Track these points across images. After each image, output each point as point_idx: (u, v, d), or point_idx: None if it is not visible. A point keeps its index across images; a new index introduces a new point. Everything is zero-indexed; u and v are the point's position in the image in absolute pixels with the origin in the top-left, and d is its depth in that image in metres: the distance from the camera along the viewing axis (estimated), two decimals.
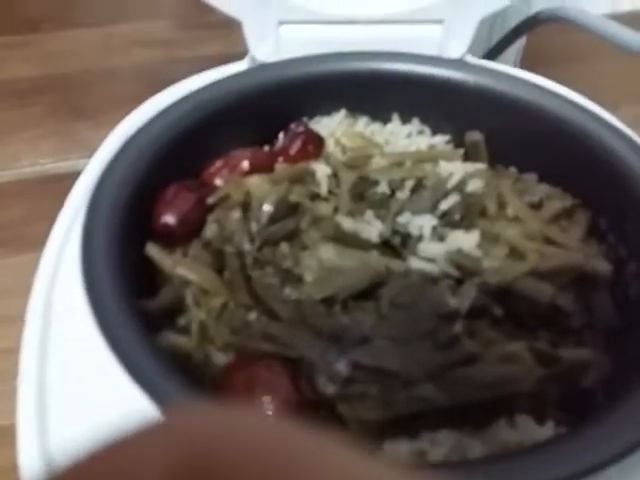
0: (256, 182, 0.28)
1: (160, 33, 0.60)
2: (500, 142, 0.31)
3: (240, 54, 0.36)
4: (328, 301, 0.23)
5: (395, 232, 0.27)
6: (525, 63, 0.51)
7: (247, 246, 0.25)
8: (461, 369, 0.20)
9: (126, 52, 0.57)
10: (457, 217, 0.27)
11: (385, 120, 0.35)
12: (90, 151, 0.29)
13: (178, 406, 0.09)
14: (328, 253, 0.25)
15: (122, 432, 0.08)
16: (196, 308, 0.23)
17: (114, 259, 0.22)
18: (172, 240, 0.25)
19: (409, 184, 0.29)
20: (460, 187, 0.28)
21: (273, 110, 0.33)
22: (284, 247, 0.24)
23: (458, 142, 0.33)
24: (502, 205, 0.27)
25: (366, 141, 0.33)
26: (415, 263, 0.24)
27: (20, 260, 0.38)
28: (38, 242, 0.25)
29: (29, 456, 0.18)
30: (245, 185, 0.27)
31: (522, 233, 0.25)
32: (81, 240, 0.22)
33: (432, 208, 0.28)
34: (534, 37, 0.47)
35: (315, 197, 0.29)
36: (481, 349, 0.20)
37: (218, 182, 0.29)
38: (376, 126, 0.34)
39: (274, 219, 0.26)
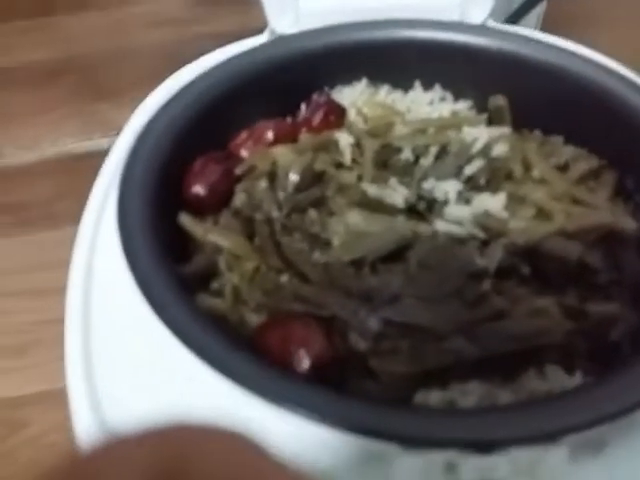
0: (281, 152, 0.28)
1: (175, 11, 0.60)
2: (524, 106, 0.31)
3: (257, 29, 0.36)
4: (357, 263, 0.23)
5: (420, 197, 0.27)
6: (545, 28, 0.50)
7: (275, 213, 0.25)
8: (489, 324, 0.20)
9: (142, 32, 0.58)
10: (482, 181, 0.27)
11: (406, 88, 0.34)
12: (112, 130, 0.30)
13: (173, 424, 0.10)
14: (355, 218, 0.25)
15: (115, 435, 0.10)
16: (229, 272, 0.24)
17: (149, 227, 0.23)
18: (202, 210, 0.26)
19: (433, 150, 0.29)
20: (485, 152, 0.28)
21: (295, 81, 0.33)
22: (312, 213, 0.25)
23: (481, 107, 0.33)
24: (528, 168, 0.27)
25: (388, 109, 0.33)
26: (442, 226, 0.25)
27: (47, 236, 0.39)
28: (63, 219, 0.26)
29: (82, 416, 0.19)
30: (271, 155, 0.28)
31: (549, 194, 0.25)
32: (117, 211, 0.23)
33: (457, 173, 0.28)
34: (554, 2, 0.46)
35: (339, 166, 0.29)
36: (509, 305, 0.21)
37: (244, 153, 0.29)
38: (397, 94, 0.34)
39: (300, 187, 0.27)
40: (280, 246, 0.24)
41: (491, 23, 0.36)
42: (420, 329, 0.20)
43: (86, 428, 0.18)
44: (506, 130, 0.30)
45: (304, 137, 0.30)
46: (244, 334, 0.22)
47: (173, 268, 0.22)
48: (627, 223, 0.24)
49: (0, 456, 0.29)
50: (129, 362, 0.20)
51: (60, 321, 0.22)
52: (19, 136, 0.49)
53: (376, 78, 0.35)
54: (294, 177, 0.27)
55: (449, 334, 0.20)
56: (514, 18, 0.44)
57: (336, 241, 0.24)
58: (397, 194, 0.27)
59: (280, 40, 0.34)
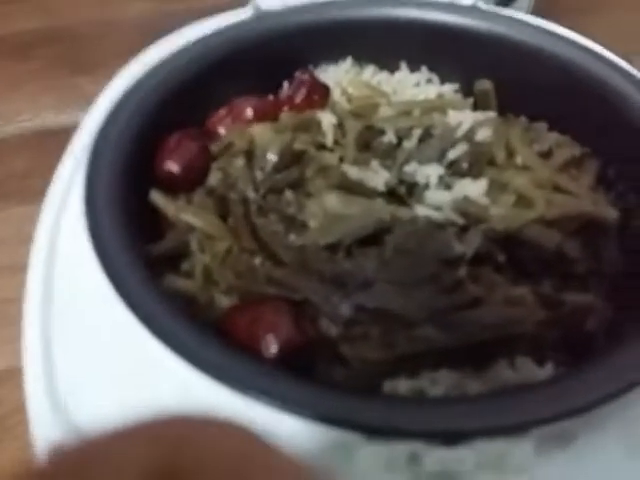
0: (260, 130, 0.27)
1: None
2: (510, 90, 0.31)
3: (240, 4, 0.35)
4: (332, 247, 0.23)
5: (401, 181, 0.27)
6: (537, 12, 0.49)
7: (251, 193, 0.25)
8: (463, 312, 0.20)
9: (124, 4, 0.56)
10: (465, 166, 0.27)
11: (393, 69, 0.34)
12: (91, 104, 0.29)
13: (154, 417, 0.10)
14: (333, 201, 0.24)
15: (112, 427, 0.09)
16: (200, 253, 0.23)
17: (117, 205, 0.22)
18: (176, 187, 0.25)
19: (417, 133, 0.29)
20: (469, 136, 0.28)
21: (278, 58, 0.32)
22: (288, 194, 0.24)
23: (467, 91, 0.32)
24: (511, 154, 0.27)
25: (372, 90, 0.32)
26: (421, 210, 0.24)
27: (22, 211, 0.38)
28: (40, 194, 0.25)
29: (37, 396, 0.18)
30: (249, 133, 0.27)
31: (531, 181, 0.25)
32: (84, 186, 0.22)
33: (440, 157, 0.27)
34: None
35: (320, 147, 0.28)
36: (485, 293, 0.20)
37: (222, 131, 0.28)
38: (383, 75, 0.34)
39: (278, 167, 0.26)
40: (255, 227, 0.24)
41: (482, 5, 0.35)
42: (392, 315, 0.20)
43: (41, 412, 0.17)
44: (491, 115, 0.29)
45: (285, 116, 0.29)
46: (213, 317, 0.21)
47: (141, 247, 0.22)
48: (608, 212, 0.24)
49: None
50: (90, 345, 0.19)
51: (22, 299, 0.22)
52: None
53: (362, 58, 0.34)
54: (272, 157, 0.26)
55: (421, 321, 0.19)
56: (506, 1, 0.43)
57: (312, 224, 0.23)
58: (378, 177, 0.26)
59: (264, 15, 0.33)
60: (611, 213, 0.24)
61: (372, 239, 0.23)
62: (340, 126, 0.29)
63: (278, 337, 0.19)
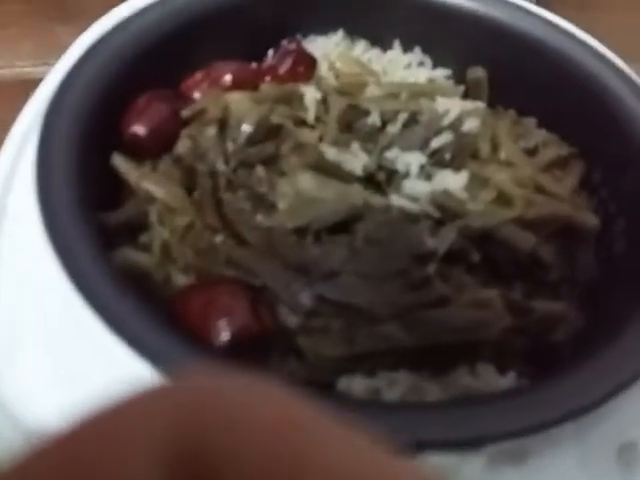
0: (237, 98, 0.26)
1: None
2: (503, 81, 0.29)
3: None
4: (300, 231, 0.21)
5: (381, 167, 0.26)
6: (542, 3, 0.47)
7: (221, 166, 0.23)
8: (429, 311, 0.19)
9: None
10: (447, 157, 0.26)
11: (385, 46, 0.32)
12: None
13: (177, 371, 0.08)
14: (306, 182, 0.23)
15: (111, 400, 0.07)
16: (160, 226, 0.22)
17: (73, 167, 0.20)
18: (141, 152, 0.24)
19: (402, 117, 0.27)
20: (455, 125, 0.27)
21: (264, 23, 0.30)
22: (260, 171, 0.23)
23: (460, 78, 0.31)
24: (495, 148, 0.26)
25: (362, 67, 0.31)
26: (397, 200, 0.23)
27: None
28: None
29: None
30: (224, 100, 0.25)
31: (512, 178, 0.24)
32: (38, 145, 0.20)
33: (423, 145, 0.26)
34: None
35: (300, 123, 0.27)
36: (453, 293, 0.19)
37: (197, 96, 0.27)
38: (375, 52, 0.32)
39: (253, 140, 0.24)
40: (220, 203, 0.22)
41: None
42: (355, 310, 0.19)
43: None
44: (480, 105, 0.28)
45: (266, 86, 0.28)
46: (168, 294, 0.20)
47: (96, 215, 0.20)
48: (588, 218, 0.23)
49: None
50: (35, 322, 0.18)
51: None
52: None
53: (354, 31, 0.32)
54: (247, 128, 0.25)
55: (385, 318, 0.18)
56: None
57: (282, 204, 0.22)
58: (357, 160, 0.25)
59: None
60: (591, 219, 0.23)
61: (343, 226, 0.22)
62: (324, 102, 0.28)
63: (232, 323, 0.18)
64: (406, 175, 0.25)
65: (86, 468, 0.06)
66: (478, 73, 0.30)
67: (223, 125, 0.25)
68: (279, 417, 0.07)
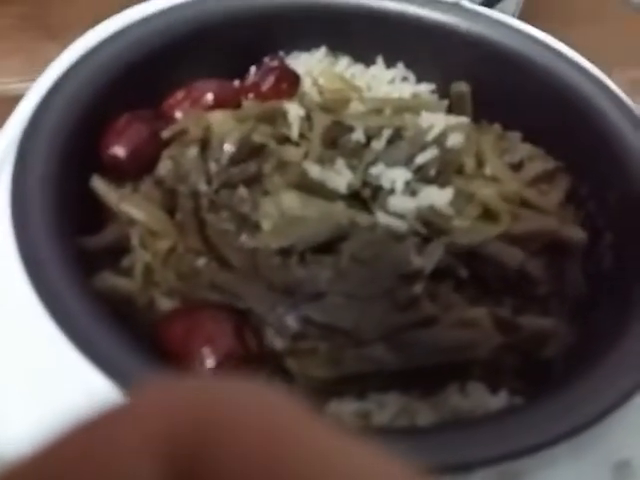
0: (219, 118, 0.25)
1: None
2: (487, 95, 0.29)
3: None
4: (285, 252, 0.21)
5: (365, 184, 0.25)
6: (523, 17, 0.48)
7: (203, 187, 0.23)
8: (416, 331, 0.19)
9: None
10: (432, 172, 0.25)
11: (368, 62, 0.32)
12: None
13: (157, 381, 0.07)
14: (290, 201, 0.23)
15: (92, 414, 0.07)
16: (141, 249, 0.21)
17: (51, 190, 0.20)
18: (121, 174, 0.23)
19: (386, 133, 0.27)
20: (440, 141, 0.27)
21: (246, 40, 0.30)
22: (242, 191, 0.23)
23: (443, 93, 0.31)
24: (481, 163, 0.26)
25: (345, 83, 0.31)
26: (382, 218, 0.23)
27: None
28: None
29: None
30: (206, 120, 0.25)
31: (498, 194, 0.23)
32: (14, 165, 0.20)
33: (408, 161, 0.26)
34: None
35: (283, 140, 0.27)
36: (440, 312, 0.19)
37: (178, 115, 0.26)
38: (358, 68, 0.32)
39: (235, 160, 0.24)
40: (203, 225, 0.22)
41: (466, 3, 0.33)
42: (341, 331, 0.18)
43: None
44: (465, 120, 0.28)
45: (248, 104, 0.27)
46: (152, 319, 0.20)
47: (74, 239, 0.20)
48: (574, 232, 0.23)
49: None
50: (9, 346, 0.17)
51: None
52: None
53: (337, 48, 0.32)
54: (229, 148, 0.24)
55: (371, 340, 0.18)
56: (491, 1, 0.42)
57: (266, 225, 0.22)
58: (341, 178, 0.25)
59: None
60: (578, 234, 0.23)
61: (328, 246, 0.21)
62: (307, 119, 0.27)
63: (216, 350, 0.17)
64: (391, 191, 0.25)
65: (84, 470, 0.06)
66: (461, 87, 0.30)
67: (205, 145, 0.24)
68: (274, 418, 0.07)
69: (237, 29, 0.30)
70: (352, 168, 0.26)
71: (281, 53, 0.31)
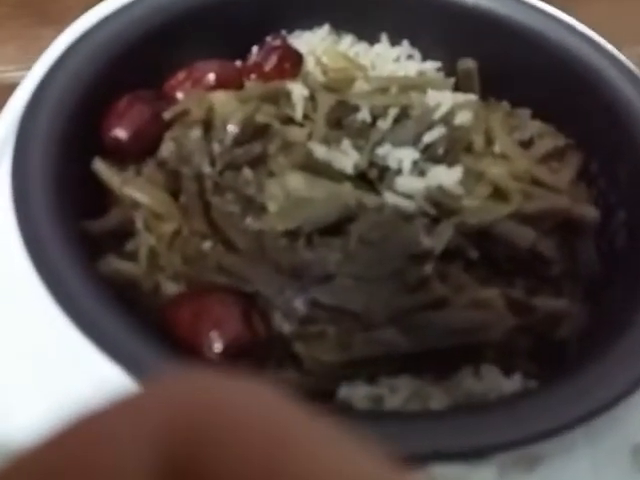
0: (221, 98, 0.25)
1: None
2: (495, 72, 0.29)
3: None
4: (292, 234, 0.21)
5: (372, 164, 0.25)
6: None
7: (207, 169, 0.22)
8: (427, 313, 0.18)
9: None
10: (441, 151, 0.25)
11: (372, 40, 0.31)
12: None
13: (160, 375, 0.07)
14: (296, 182, 0.22)
15: (96, 405, 0.07)
16: (146, 233, 0.21)
17: (52, 173, 0.19)
18: (123, 157, 0.23)
19: (392, 112, 0.27)
20: (447, 119, 0.26)
21: (248, 19, 0.29)
22: (247, 172, 0.22)
23: (450, 70, 0.30)
24: (490, 141, 0.25)
25: (349, 62, 0.30)
26: (390, 198, 0.22)
27: None
28: None
29: None
30: (208, 100, 0.24)
31: (508, 172, 0.23)
32: (14, 149, 0.19)
33: (415, 140, 0.25)
34: None
35: (287, 121, 0.26)
36: (451, 293, 0.19)
37: (180, 96, 0.26)
38: (362, 46, 0.31)
39: (239, 141, 0.24)
40: (208, 207, 0.21)
41: None
42: (351, 314, 0.18)
43: None
44: (472, 97, 0.27)
45: (251, 84, 0.27)
46: (158, 304, 0.19)
47: (77, 223, 0.19)
48: (587, 210, 0.23)
49: None
50: (15, 333, 0.17)
51: None
52: None
53: (340, 26, 0.31)
54: (233, 128, 0.24)
55: (381, 322, 0.18)
56: None
57: (272, 206, 0.21)
58: (347, 158, 0.24)
59: None
60: (590, 212, 0.23)
61: (335, 228, 0.21)
62: (311, 99, 0.27)
63: (223, 335, 0.17)
64: (399, 172, 0.24)
65: (79, 468, 0.06)
66: (468, 64, 0.29)
67: (208, 126, 0.24)
68: (271, 417, 0.07)
69: (239, 8, 0.29)
70: (358, 148, 0.25)
71: (283, 32, 0.30)
